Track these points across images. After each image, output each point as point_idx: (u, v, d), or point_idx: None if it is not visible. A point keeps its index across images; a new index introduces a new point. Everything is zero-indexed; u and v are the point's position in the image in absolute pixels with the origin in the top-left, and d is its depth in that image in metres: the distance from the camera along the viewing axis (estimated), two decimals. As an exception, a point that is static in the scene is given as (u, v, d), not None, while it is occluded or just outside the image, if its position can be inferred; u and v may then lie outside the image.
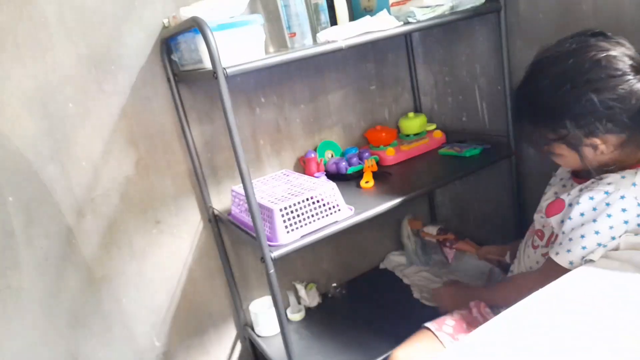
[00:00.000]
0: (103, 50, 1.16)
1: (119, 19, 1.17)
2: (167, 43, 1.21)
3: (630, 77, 0.81)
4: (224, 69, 0.90)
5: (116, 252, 1.27)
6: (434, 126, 1.58)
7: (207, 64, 1.02)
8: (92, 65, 1.16)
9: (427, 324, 1.09)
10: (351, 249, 1.68)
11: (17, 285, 1.16)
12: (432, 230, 1.51)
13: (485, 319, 1.09)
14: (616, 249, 0.85)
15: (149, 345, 1.36)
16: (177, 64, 1.21)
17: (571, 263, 0.88)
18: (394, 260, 1.70)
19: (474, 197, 1.66)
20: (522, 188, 1.44)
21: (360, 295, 1.58)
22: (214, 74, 0.89)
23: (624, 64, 0.82)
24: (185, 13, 1.06)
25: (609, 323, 0.68)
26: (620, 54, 0.83)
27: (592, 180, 0.88)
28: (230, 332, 1.50)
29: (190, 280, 1.39)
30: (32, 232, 1.16)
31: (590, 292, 0.76)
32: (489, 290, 1.16)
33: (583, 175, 0.95)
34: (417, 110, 1.69)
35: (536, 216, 1.03)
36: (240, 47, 1.05)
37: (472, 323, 1.09)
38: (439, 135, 1.54)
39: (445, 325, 1.09)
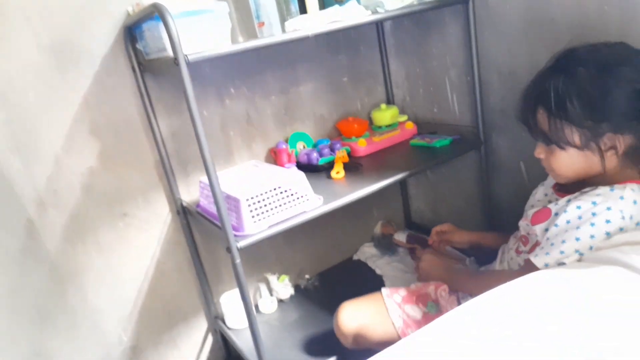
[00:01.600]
0: (64, 38, 1.13)
1: (81, 6, 1.13)
2: (132, 31, 1.18)
3: None
4: (185, 55, 0.88)
5: (81, 246, 1.24)
6: (405, 117, 1.58)
7: (171, 52, 1.00)
8: (53, 54, 1.12)
9: (383, 289, 1.17)
10: (325, 241, 1.68)
11: (-24, 280, 1.13)
12: (402, 237, 1.57)
13: (436, 300, 1.14)
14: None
15: (116, 340, 1.34)
16: (142, 52, 1.19)
17: (546, 265, 0.88)
18: (367, 252, 1.70)
19: (446, 190, 1.68)
20: (491, 179, 1.46)
21: (333, 286, 1.58)
22: (175, 60, 0.88)
23: None
24: (148, 0, 1.04)
25: (559, 325, 0.67)
26: None
27: (581, 191, 0.89)
28: (201, 326, 1.48)
29: (159, 274, 1.37)
30: (-9, 226, 1.13)
31: (549, 292, 0.75)
32: (465, 275, 1.16)
33: (567, 190, 0.95)
34: (390, 102, 1.69)
35: (521, 223, 1.04)
36: (204, 35, 1.03)
37: (421, 298, 1.15)
38: (410, 126, 1.54)
39: (396, 294, 1.16)
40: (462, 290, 1.14)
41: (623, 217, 0.83)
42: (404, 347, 0.72)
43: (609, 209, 0.83)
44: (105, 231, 1.27)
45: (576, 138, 0.88)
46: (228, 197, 1.08)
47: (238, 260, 1.01)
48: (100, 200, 1.24)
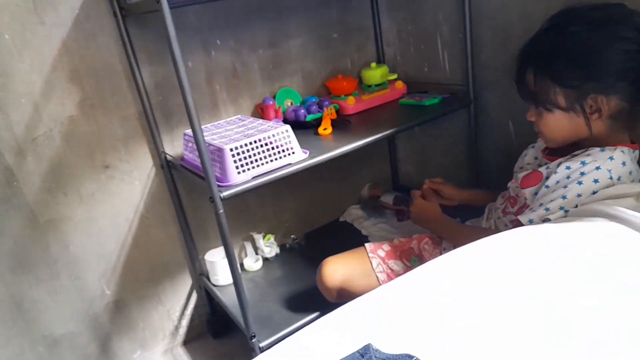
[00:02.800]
0: (41, -22, 1.08)
1: (58, -56, 1.08)
2: (112, -27, 1.13)
3: None
4: (167, -8, 0.84)
5: (62, 197, 1.22)
6: (395, 76, 1.56)
7: (152, -8, 0.96)
8: (29, -6, 1.08)
9: (366, 244, 1.17)
10: (311, 202, 1.67)
11: (-47, 228, 1.11)
12: (389, 199, 1.56)
13: (420, 255, 1.14)
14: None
15: (99, 293, 1.32)
16: (123, -4, 1.14)
17: (530, 221, 0.87)
18: (354, 213, 1.70)
19: (435, 152, 1.66)
20: (480, 138, 1.45)
21: (319, 246, 1.57)
22: (155, -3, 0.84)
23: None
24: (129, -63, 0.99)
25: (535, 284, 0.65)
26: None
27: (572, 154, 0.88)
28: (185, 282, 1.48)
29: (143, 228, 1.35)
30: (-33, 172, 1.09)
31: (530, 248, 0.74)
32: (454, 225, 1.14)
33: (557, 154, 0.94)
34: (380, 61, 1.66)
35: (511, 184, 1.03)
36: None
37: (405, 253, 1.16)
38: (400, 85, 1.52)
39: (380, 250, 1.16)
40: (448, 239, 1.13)
41: (611, 177, 0.82)
42: (379, 295, 0.72)
43: (598, 168, 0.83)
44: (87, 182, 1.24)
45: (560, 99, 0.87)
46: (212, 148, 1.06)
47: (221, 211, 1.00)
48: (81, 150, 1.21)
